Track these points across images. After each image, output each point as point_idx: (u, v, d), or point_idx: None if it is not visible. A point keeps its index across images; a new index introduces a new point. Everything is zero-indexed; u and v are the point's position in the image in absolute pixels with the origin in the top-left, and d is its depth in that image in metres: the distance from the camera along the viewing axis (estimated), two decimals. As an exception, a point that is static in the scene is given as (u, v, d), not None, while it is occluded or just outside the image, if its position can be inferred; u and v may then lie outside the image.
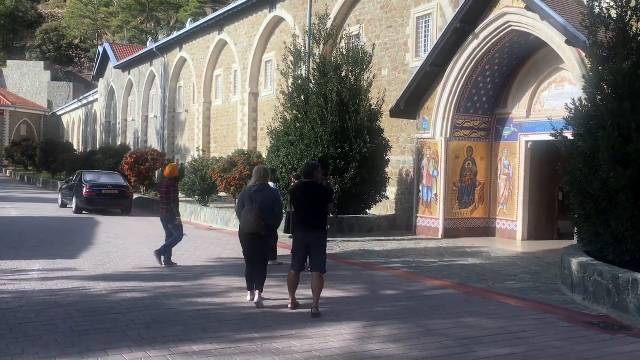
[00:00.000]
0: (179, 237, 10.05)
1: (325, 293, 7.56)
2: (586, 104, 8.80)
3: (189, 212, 19.42)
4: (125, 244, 12.65)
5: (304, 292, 7.42)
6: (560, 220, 15.23)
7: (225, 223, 16.89)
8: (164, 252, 9.79)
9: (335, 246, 12.58)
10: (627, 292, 6.72)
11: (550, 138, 13.60)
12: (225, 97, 30.62)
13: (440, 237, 14.71)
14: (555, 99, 13.98)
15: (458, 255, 11.86)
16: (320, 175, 7.49)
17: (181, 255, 11.15)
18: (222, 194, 21.30)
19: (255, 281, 7.22)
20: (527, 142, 14.64)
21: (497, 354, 5.41)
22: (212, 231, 16.15)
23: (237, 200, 7.68)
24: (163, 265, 9.69)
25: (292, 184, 11.07)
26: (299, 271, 7.00)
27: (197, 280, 8.66)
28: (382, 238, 14.40)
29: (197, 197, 20.89)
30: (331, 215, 8.71)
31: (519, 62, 14.64)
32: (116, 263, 10.04)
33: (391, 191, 17.43)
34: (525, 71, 14.64)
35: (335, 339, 5.74)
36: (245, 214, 7.08)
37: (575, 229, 9.70)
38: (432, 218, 15.03)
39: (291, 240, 7.80)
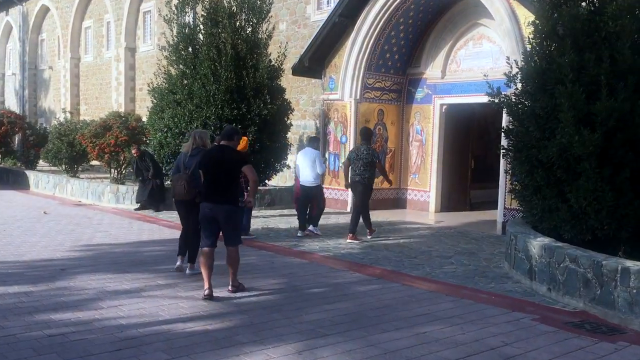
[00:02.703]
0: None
1: (236, 293, 5.70)
2: (536, 57, 7.53)
3: (52, 184, 16.44)
4: (-38, 227, 9.87)
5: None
6: (472, 190, 14.36)
7: (98, 197, 14.25)
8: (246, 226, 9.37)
9: (234, 224, 10.62)
10: (613, 284, 5.44)
11: (469, 101, 12.76)
12: (96, 52, 26.97)
13: (349, 210, 13.17)
14: (473, 57, 12.79)
15: (376, 232, 10.38)
16: (237, 142, 6.20)
17: (36, 242, 8.68)
18: (94, 162, 18.42)
19: (187, 251, 6.94)
20: (441, 105, 13.38)
21: (494, 388, 3.84)
22: (81, 207, 13.52)
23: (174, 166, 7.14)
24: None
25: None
26: (212, 247, 5.99)
27: (54, 281, 6.36)
28: (286, 212, 12.62)
29: (63, 167, 17.89)
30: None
31: (434, 16, 13.26)
32: (-60, 257, 7.43)
33: (291, 159, 15.64)
34: (441, 26, 13.28)
35: (262, 378, 3.89)
36: (175, 180, 6.81)
37: (516, 201, 8.52)
38: (339, 189, 13.46)
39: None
